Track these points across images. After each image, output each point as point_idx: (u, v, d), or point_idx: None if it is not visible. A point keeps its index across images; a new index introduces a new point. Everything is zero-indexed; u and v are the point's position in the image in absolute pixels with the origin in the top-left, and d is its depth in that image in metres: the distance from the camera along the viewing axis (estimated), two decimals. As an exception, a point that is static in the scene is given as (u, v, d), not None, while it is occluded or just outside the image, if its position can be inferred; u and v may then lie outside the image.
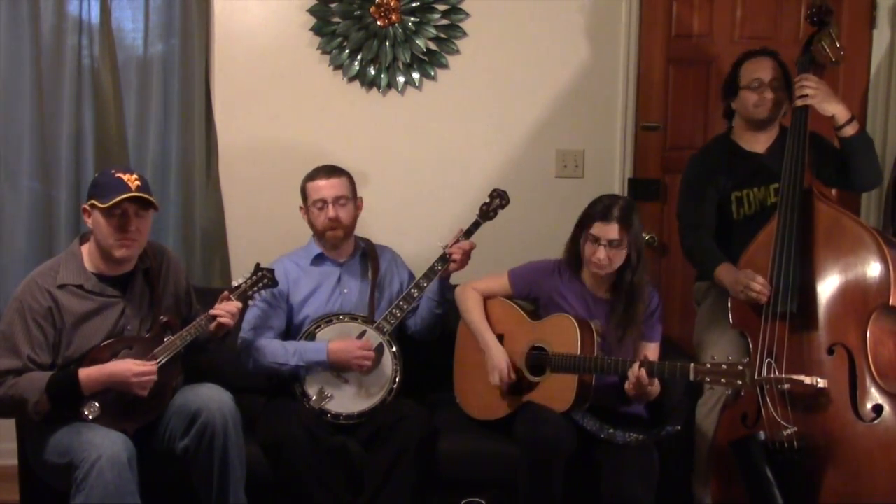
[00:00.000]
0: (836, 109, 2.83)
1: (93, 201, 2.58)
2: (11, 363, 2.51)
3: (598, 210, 2.80)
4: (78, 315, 2.58)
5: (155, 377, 2.55)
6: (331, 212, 3.02)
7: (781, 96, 2.99)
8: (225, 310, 2.67)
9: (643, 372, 2.62)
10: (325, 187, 3.04)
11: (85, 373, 2.50)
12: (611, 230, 2.76)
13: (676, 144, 3.65)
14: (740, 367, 2.48)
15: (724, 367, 2.51)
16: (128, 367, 2.52)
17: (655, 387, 2.75)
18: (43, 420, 2.52)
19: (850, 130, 2.84)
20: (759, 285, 2.73)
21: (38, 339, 2.54)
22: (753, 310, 2.77)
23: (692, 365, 2.56)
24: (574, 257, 2.89)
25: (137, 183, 2.58)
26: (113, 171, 2.62)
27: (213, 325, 2.66)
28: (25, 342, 2.52)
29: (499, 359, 2.88)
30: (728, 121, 3.13)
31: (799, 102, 2.85)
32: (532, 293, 2.99)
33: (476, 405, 3.02)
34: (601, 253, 2.76)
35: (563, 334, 2.80)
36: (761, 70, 2.98)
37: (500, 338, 2.95)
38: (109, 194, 2.55)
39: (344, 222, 3.06)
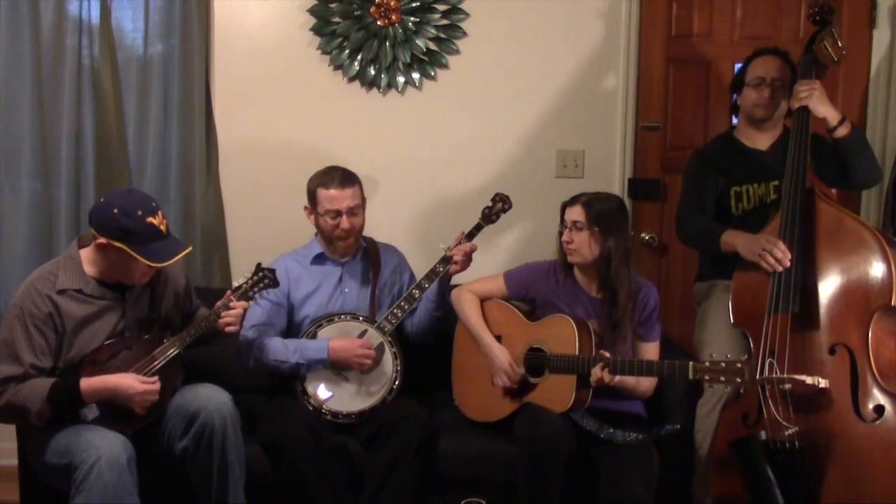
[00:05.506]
0: (827, 112, 2.85)
1: (121, 245, 2.48)
2: (13, 370, 2.50)
3: (570, 198, 2.91)
4: (79, 319, 2.57)
5: (157, 398, 2.56)
6: (345, 223, 3.00)
7: (781, 96, 3.02)
8: (233, 316, 2.66)
9: (606, 373, 2.66)
10: (341, 198, 2.99)
11: (87, 383, 2.50)
12: (574, 212, 2.86)
13: (676, 144, 3.65)
14: (739, 365, 2.47)
15: (722, 364, 2.50)
16: (130, 384, 2.51)
17: (644, 384, 2.80)
18: (44, 425, 2.52)
19: (842, 131, 2.87)
20: (780, 252, 2.72)
21: (41, 344, 2.52)
22: (755, 309, 2.77)
23: (690, 363, 2.56)
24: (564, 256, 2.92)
25: (164, 225, 2.52)
26: (139, 212, 2.48)
27: (217, 323, 2.66)
28: (27, 348, 2.51)
29: (502, 359, 2.88)
30: (735, 116, 3.17)
31: (794, 104, 2.88)
32: (528, 294, 2.99)
33: (475, 407, 3.01)
34: (566, 235, 2.85)
35: (561, 335, 2.80)
36: (765, 68, 3.04)
37: (498, 339, 2.95)
38: (154, 249, 2.48)
39: (357, 231, 3.06)
